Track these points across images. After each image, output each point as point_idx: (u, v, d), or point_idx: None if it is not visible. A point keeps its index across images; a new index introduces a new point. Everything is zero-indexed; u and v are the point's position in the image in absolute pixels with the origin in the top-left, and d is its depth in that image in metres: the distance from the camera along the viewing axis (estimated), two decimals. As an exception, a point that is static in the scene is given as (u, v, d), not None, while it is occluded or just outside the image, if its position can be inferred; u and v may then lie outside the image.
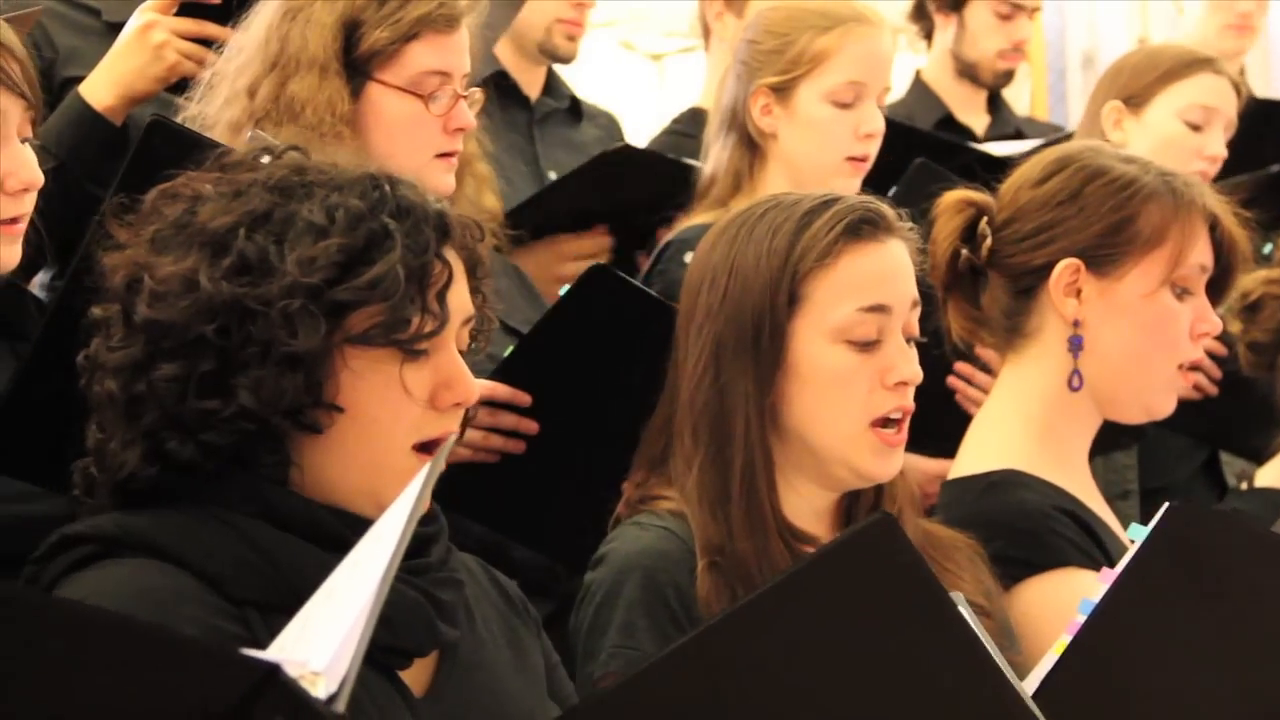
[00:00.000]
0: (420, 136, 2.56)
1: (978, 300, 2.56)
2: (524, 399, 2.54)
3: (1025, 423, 2.49)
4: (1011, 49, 4.49)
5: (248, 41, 2.58)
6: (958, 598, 1.68)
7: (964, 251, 2.52)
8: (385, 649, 1.75)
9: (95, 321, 1.80)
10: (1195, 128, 3.60)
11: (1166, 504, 1.83)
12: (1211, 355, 3.25)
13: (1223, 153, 3.62)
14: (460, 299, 1.82)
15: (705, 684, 1.57)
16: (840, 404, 2.16)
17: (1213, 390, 3.30)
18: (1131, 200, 2.46)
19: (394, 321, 1.75)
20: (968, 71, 4.48)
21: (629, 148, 3.47)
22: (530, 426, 2.54)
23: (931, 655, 1.61)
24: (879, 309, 2.17)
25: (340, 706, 1.32)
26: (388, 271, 1.74)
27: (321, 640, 1.38)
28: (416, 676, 1.80)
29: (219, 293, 1.72)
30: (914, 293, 2.22)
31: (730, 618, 1.60)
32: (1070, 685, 1.74)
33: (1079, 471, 2.52)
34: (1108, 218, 2.45)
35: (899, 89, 4.54)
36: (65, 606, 1.36)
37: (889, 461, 2.19)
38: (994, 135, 4.46)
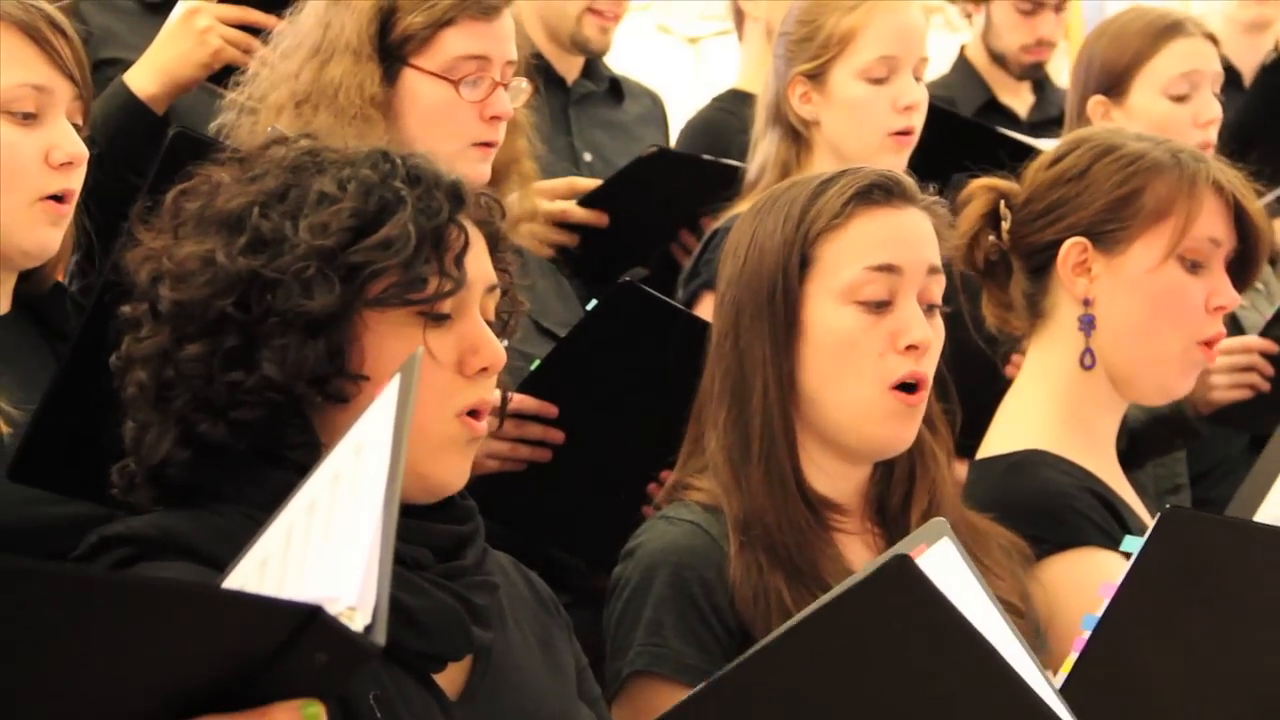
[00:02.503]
0: (454, 123, 2.57)
1: (1008, 287, 2.57)
2: (551, 410, 2.55)
3: (1049, 403, 2.50)
4: (1035, 44, 4.43)
5: (296, 28, 2.61)
6: (938, 543, 1.66)
7: (990, 237, 2.54)
8: (420, 654, 1.76)
9: (125, 320, 1.82)
10: (1181, 98, 3.52)
11: (1160, 512, 1.83)
12: (1266, 354, 3.23)
13: (1217, 113, 3.54)
14: (480, 266, 1.83)
15: None
16: (851, 366, 2.17)
17: (1265, 388, 3.25)
18: (1136, 175, 2.46)
19: (410, 281, 1.76)
20: (998, 60, 4.45)
21: (665, 150, 3.45)
22: (556, 436, 2.55)
23: (961, 693, 1.61)
24: (888, 269, 2.18)
25: (380, 638, 1.33)
26: (400, 232, 1.76)
27: (344, 574, 1.38)
28: (451, 680, 1.81)
29: (236, 267, 1.75)
30: (932, 259, 2.22)
31: (745, 664, 1.61)
32: (1079, 702, 1.74)
33: (1104, 452, 2.52)
34: (1112, 192, 2.46)
35: (943, 66, 4.53)
36: (111, 579, 1.38)
37: (902, 427, 2.19)
38: (1038, 116, 4.46)
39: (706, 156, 3.40)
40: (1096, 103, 3.55)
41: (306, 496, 1.50)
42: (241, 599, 1.36)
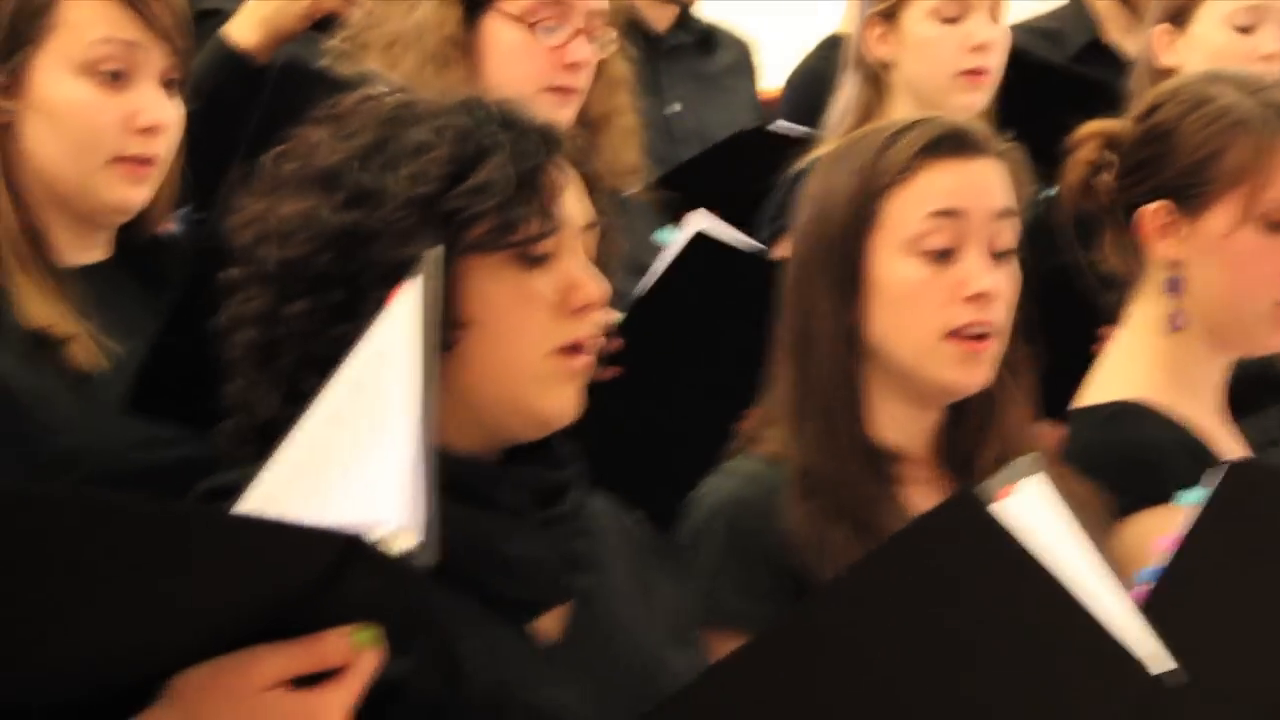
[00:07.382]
0: (530, 67, 2.62)
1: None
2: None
3: (1150, 354, 2.49)
4: None
5: None
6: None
7: (1105, 176, 2.52)
8: (517, 600, 1.79)
9: (228, 284, 1.83)
10: (1245, 30, 3.44)
11: (1228, 466, 1.80)
12: None
13: (1278, 49, 3.46)
14: (577, 205, 1.85)
15: (789, 672, 1.55)
16: (914, 317, 2.17)
17: None
18: (1216, 135, 2.43)
19: (508, 223, 1.77)
20: None
21: (762, 130, 3.44)
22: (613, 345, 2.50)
23: (1031, 631, 1.58)
24: (950, 214, 2.17)
25: (431, 556, 1.33)
26: (497, 175, 1.77)
27: (388, 493, 1.37)
28: (548, 626, 1.83)
29: (338, 221, 1.77)
30: (1002, 203, 2.20)
31: (811, 603, 1.60)
32: None
33: (1207, 402, 2.51)
34: (1193, 154, 2.43)
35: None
36: (141, 507, 1.32)
37: (971, 371, 2.18)
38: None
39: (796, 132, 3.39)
40: (1160, 31, 3.48)
41: (328, 406, 1.50)
42: (281, 526, 1.34)
